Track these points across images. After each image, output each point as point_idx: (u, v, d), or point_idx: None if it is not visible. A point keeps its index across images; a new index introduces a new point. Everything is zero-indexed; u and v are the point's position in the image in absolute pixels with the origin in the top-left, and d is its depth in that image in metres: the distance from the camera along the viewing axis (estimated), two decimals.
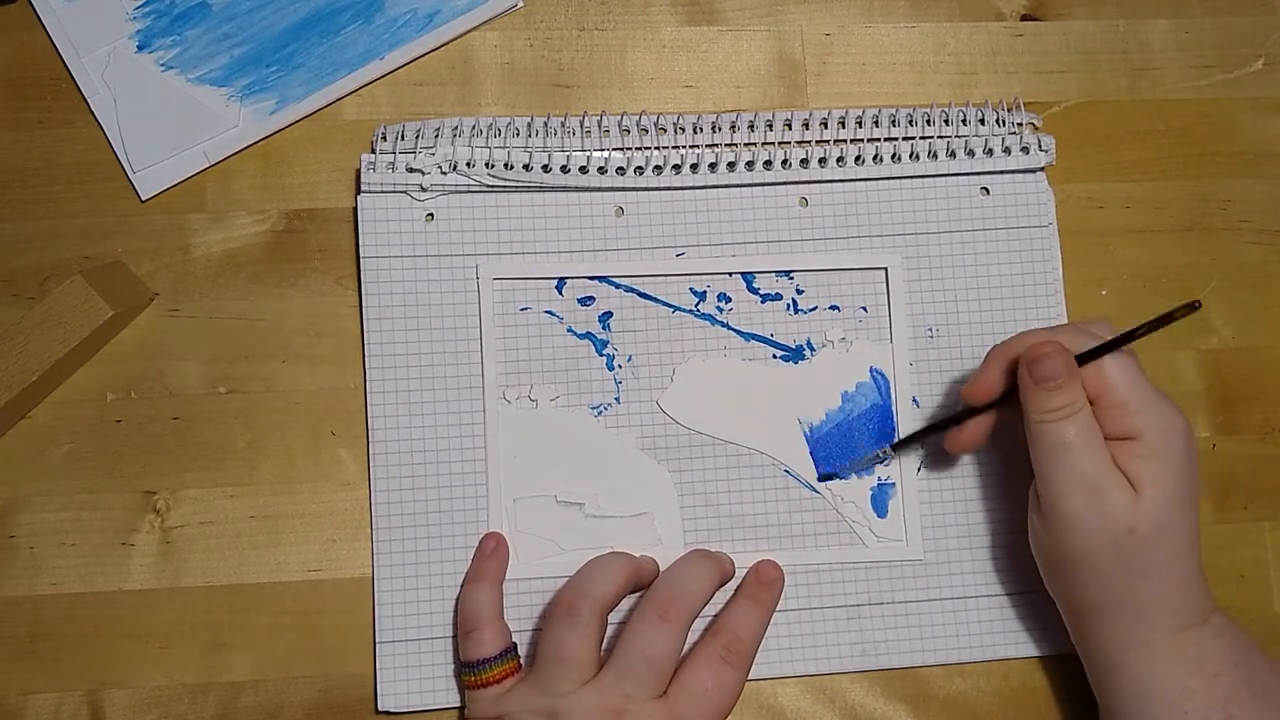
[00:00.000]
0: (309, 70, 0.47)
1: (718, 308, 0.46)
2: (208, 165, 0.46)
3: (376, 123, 0.46)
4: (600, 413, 0.45)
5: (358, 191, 0.46)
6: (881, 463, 0.46)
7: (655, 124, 0.47)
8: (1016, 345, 0.41)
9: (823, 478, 0.46)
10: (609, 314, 0.46)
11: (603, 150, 0.46)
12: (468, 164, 0.45)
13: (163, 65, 0.47)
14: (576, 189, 0.46)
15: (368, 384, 0.45)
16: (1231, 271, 0.49)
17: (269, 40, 0.47)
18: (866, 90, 0.49)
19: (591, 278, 0.46)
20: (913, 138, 0.48)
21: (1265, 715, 0.39)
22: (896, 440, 0.45)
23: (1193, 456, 0.40)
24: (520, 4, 0.49)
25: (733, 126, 0.47)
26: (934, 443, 0.46)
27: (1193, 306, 0.38)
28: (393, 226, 0.45)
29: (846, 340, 0.47)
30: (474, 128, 0.46)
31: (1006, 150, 0.47)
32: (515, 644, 0.42)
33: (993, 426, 0.42)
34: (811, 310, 0.47)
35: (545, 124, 0.46)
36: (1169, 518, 0.38)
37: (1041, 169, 0.48)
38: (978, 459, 0.46)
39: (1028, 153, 0.47)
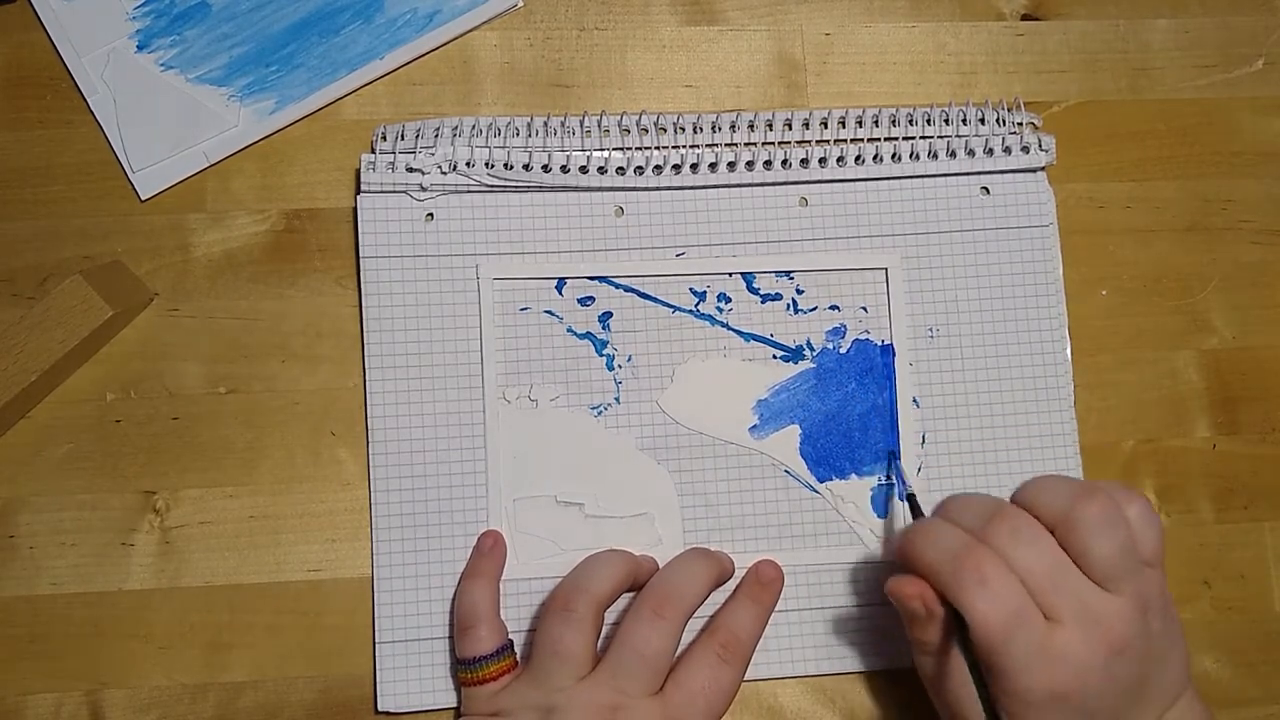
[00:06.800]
0: (309, 70, 0.47)
1: (718, 308, 0.46)
2: (207, 165, 0.46)
3: (376, 123, 0.46)
4: (600, 413, 0.45)
5: (358, 191, 0.46)
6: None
7: (655, 124, 0.47)
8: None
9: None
10: (609, 314, 0.46)
11: (603, 150, 0.46)
12: (468, 164, 0.45)
13: (163, 65, 0.47)
14: (576, 189, 0.46)
15: (368, 384, 0.45)
16: (1231, 271, 0.49)
17: (269, 40, 0.47)
18: (866, 90, 0.49)
19: (591, 278, 0.46)
20: (913, 137, 0.48)
21: None
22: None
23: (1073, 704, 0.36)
24: (520, 4, 0.49)
25: (733, 126, 0.47)
26: (933, 442, 0.46)
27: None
28: (393, 226, 0.45)
29: (846, 340, 0.47)
30: (474, 128, 0.46)
31: (1006, 150, 0.47)
32: (511, 641, 0.42)
33: None
34: (811, 310, 0.47)
35: (545, 124, 0.46)
36: None
37: (1042, 169, 0.48)
38: (976, 459, 0.46)
39: (1028, 152, 0.47)
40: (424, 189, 0.45)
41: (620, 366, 0.46)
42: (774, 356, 0.46)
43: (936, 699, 0.39)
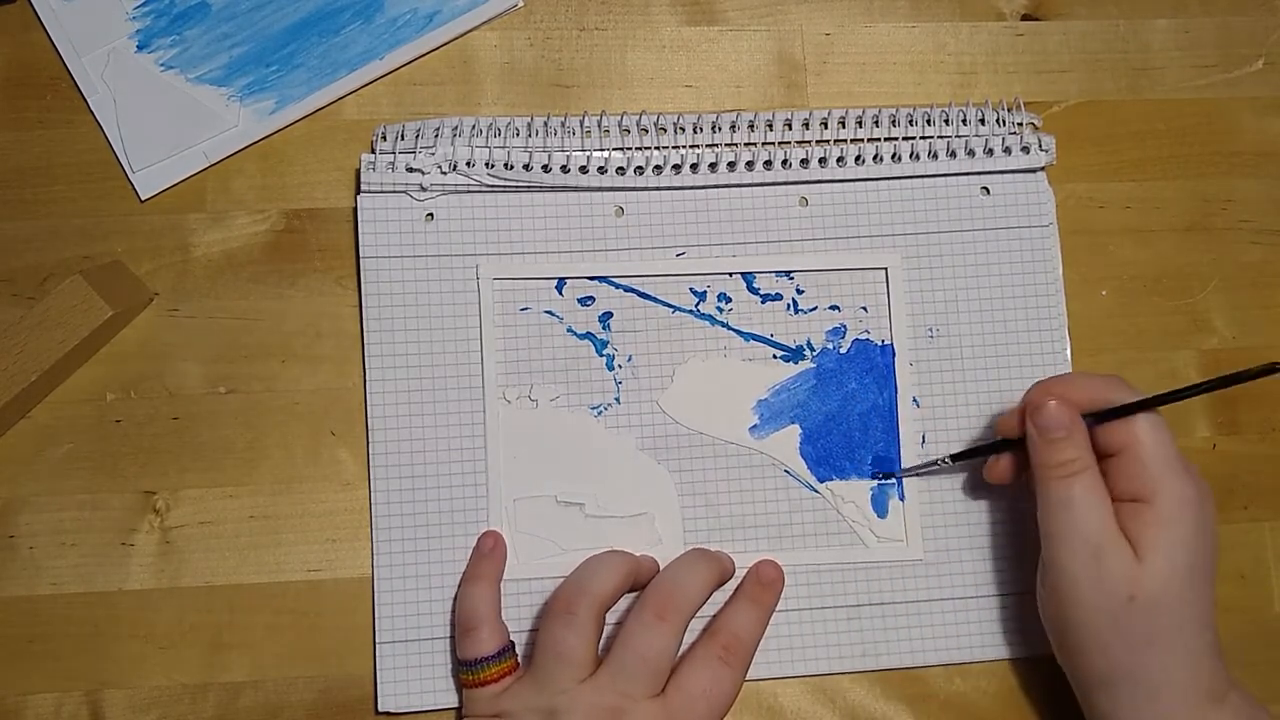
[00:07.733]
0: (309, 70, 0.47)
1: (718, 308, 0.46)
2: (207, 165, 0.46)
3: (376, 123, 0.46)
4: (600, 413, 0.45)
5: (358, 191, 0.46)
6: (935, 471, 0.46)
7: (655, 124, 0.47)
8: (1060, 384, 0.40)
9: (878, 474, 0.46)
10: (609, 314, 0.46)
11: (603, 150, 0.46)
12: (468, 164, 0.45)
13: (162, 65, 0.47)
14: (576, 189, 0.46)
15: (368, 384, 0.45)
16: (1231, 271, 0.49)
17: (269, 40, 0.47)
18: (866, 90, 0.49)
19: (591, 278, 0.46)
20: (913, 137, 0.48)
21: None
22: (955, 453, 0.45)
23: (1208, 531, 0.38)
24: (520, 4, 0.49)
25: (733, 126, 0.47)
26: (933, 442, 0.46)
27: (1273, 368, 0.36)
28: (393, 226, 0.45)
29: (846, 340, 0.47)
30: (474, 128, 0.46)
31: (1007, 150, 0.47)
32: (513, 643, 0.42)
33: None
34: (811, 310, 0.47)
35: (545, 124, 0.46)
36: (1173, 588, 0.37)
37: (1042, 169, 0.48)
38: (977, 460, 0.46)
39: (1028, 152, 0.47)
40: (424, 189, 0.45)
41: (620, 366, 0.46)
42: (774, 356, 0.46)
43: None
